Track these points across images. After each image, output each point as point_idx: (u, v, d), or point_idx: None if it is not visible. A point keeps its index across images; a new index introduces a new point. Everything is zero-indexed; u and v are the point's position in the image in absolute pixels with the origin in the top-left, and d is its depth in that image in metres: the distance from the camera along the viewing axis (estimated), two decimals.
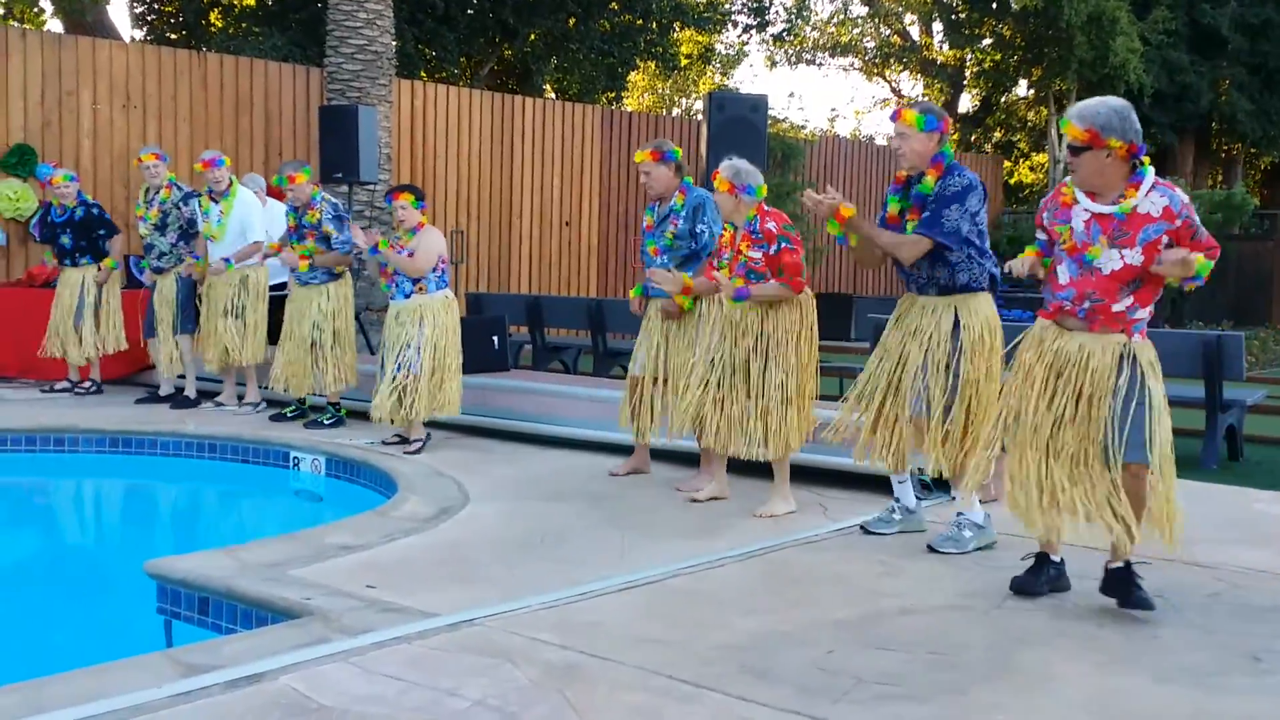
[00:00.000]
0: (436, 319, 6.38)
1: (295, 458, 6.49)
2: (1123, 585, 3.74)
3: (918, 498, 5.36)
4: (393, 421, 6.41)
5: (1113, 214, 3.68)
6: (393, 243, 6.45)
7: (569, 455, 6.42)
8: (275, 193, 8.05)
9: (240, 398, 7.88)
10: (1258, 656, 3.38)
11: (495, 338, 8.04)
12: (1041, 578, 3.96)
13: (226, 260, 7.64)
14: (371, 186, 10.84)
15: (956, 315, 4.48)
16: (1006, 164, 24.19)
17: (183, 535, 6.02)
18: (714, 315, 5.49)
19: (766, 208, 5.13)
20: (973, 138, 24.66)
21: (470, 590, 3.82)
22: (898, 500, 4.82)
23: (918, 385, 4.48)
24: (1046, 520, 3.78)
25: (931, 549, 4.49)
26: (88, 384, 8.47)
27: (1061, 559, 4.00)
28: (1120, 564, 3.75)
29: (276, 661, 3.09)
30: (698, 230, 5.58)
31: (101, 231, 8.35)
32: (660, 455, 6.09)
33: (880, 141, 26.41)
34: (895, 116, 4.59)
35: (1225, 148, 25.36)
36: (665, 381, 5.62)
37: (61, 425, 6.96)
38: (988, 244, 4.59)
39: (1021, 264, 3.87)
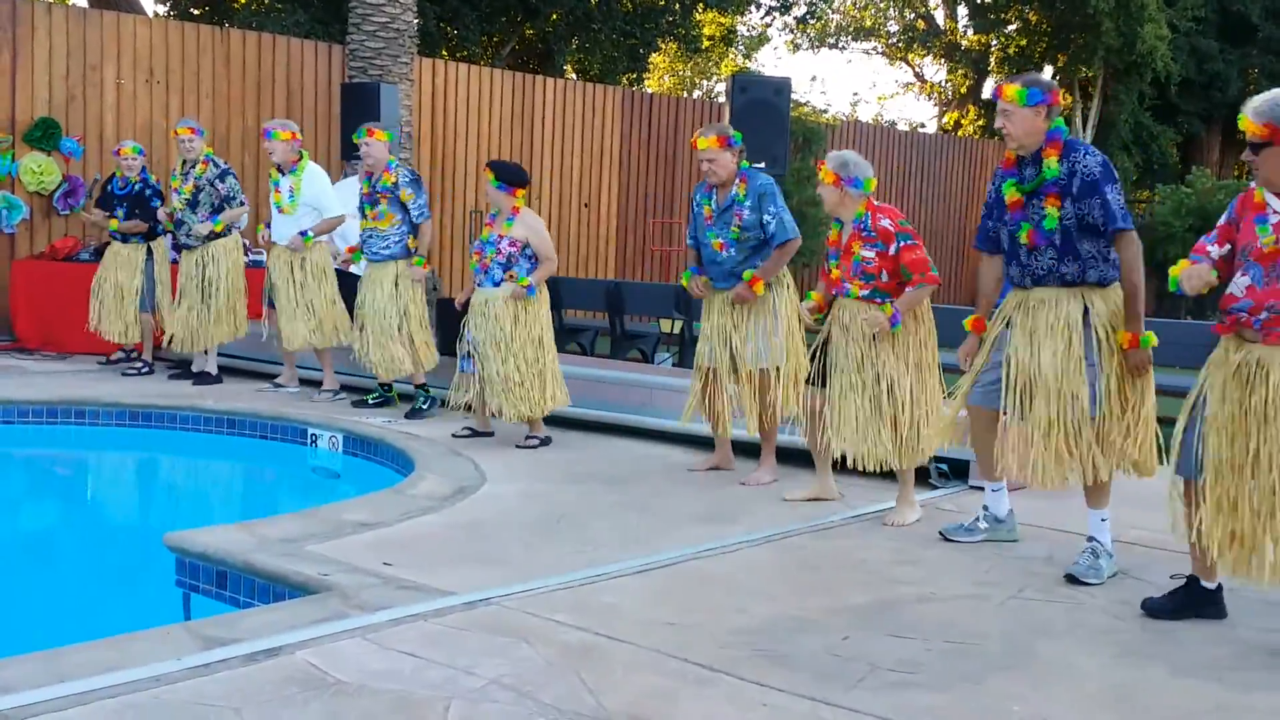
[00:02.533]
0: (532, 309, 5.98)
1: (313, 434, 6.51)
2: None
3: (932, 486, 5.35)
4: (469, 410, 6.13)
5: None
6: (489, 221, 6.15)
7: (586, 437, 6.42)
8: None
9: (318, 383, 7.54)
10: (1278, 652, 3.36)
11: None
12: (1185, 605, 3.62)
13: (304, 234, 7.36)
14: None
15: (1085, 305, 4.04)
16: None
17: (201, 509, 6.05)
18: (787, 304, 5.33)
19: (877, 203, 4.82)
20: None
21: (487, 570, 3.83)
22: (986, 508, 4.50)
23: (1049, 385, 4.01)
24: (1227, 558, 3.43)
25: (1070, 577, 3.98)
26: (141, 364, 8.26)
27: (1218, 585, 3.62)
28: None
29: (294, 636, 3.11)
30: (765, 220, 5.28)
31: (137, 211, 8.25)
32: (682, 440, 6.08)
33: (902, 127, 26.23)
34: (996, 94, 4.21)
35: None
36: (734, 371, 5.37)
37: (82, 398, 7.00)
38: None
39: (1193, 277, 3.44)
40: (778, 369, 5.33)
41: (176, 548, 3.96)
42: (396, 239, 6.79)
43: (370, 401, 7.09)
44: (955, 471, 5.36)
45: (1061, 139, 4.06)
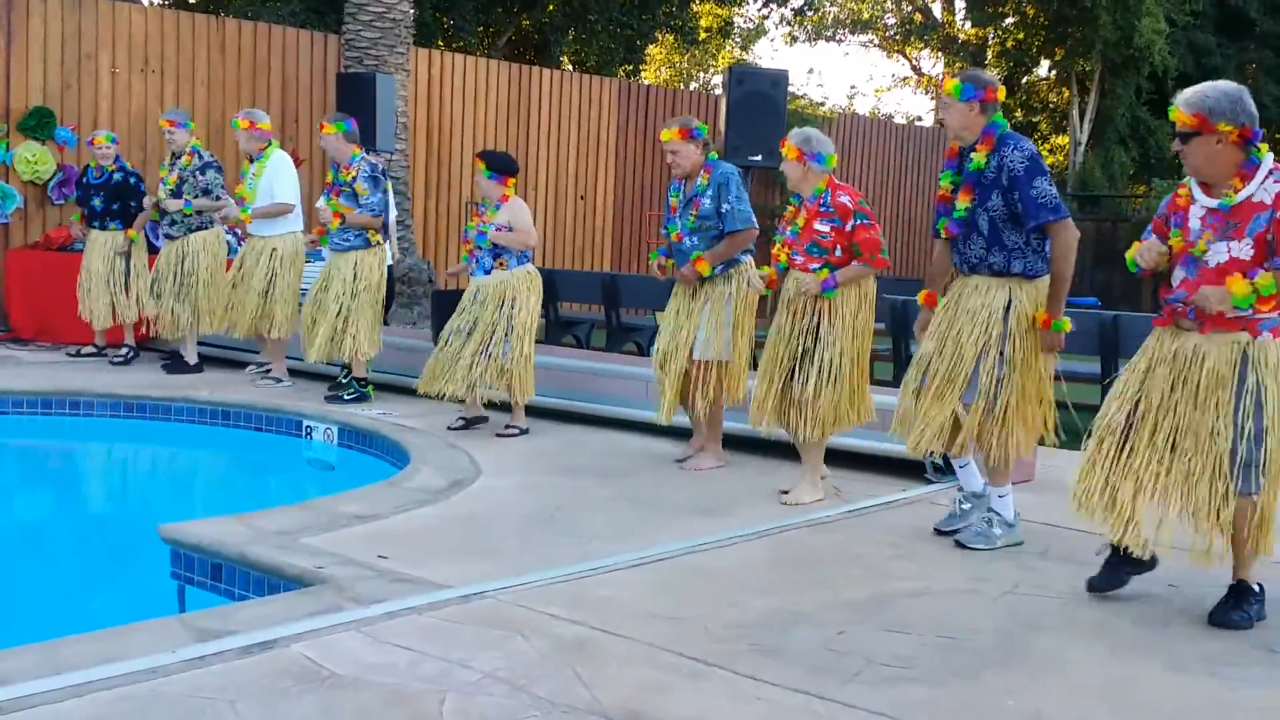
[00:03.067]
0: (520, 299, 6.05)
1: (308, 427, 6.50)
2: (1228, 603, 3.57)
3: (928, 480, 5.36)
4: (461, 402, 6.21)
5: (1219, 206, 3.48)
6: (479, 212, 6.21)
7: (581, 430, 6.42)
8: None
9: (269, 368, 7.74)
10: (1273, 648, 3.37)
11: None
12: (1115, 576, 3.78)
13: (246, 208, 7.59)
14: (388, 155, 10.81)
15: (1010, 296, 4.23)
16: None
17: (196, 501, 6.05)
18: (742, 301, 5.42)
19: (837, 181, 4.94)
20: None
21: (482, 563, 3.83)
22: (961, 488, 4.59)
23: (971, 369, 4.23)
24: (1119, 514, 3.58)
25: (960, 545, 4.33)
26: (125, 350, 8.33)
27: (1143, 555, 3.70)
28: (1233, 582, 3.59)
29: (289, 629, 3.11)
30: (723, 209, 5.40)
31: (132, 203, 8.30)
32: (678, 434, 6.08)
33: (899, 120, 26.22)
34: (941, 87, 4.50)
35: None
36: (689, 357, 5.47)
37: (76, 389, 6.99)
38: None
39: (1145, 252, 3.58)
40: (723, 363, 5.44)
41: (172, 540, 3.96)
42: (356, 231, 6.96)
43: (345, 397, 7.02)
44: (949, 466, 5.36)
45: (995, 134, 4.25)
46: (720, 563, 4.02)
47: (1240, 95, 3.50)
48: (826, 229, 4.84)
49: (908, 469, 5.45)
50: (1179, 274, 3.58)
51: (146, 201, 8.17)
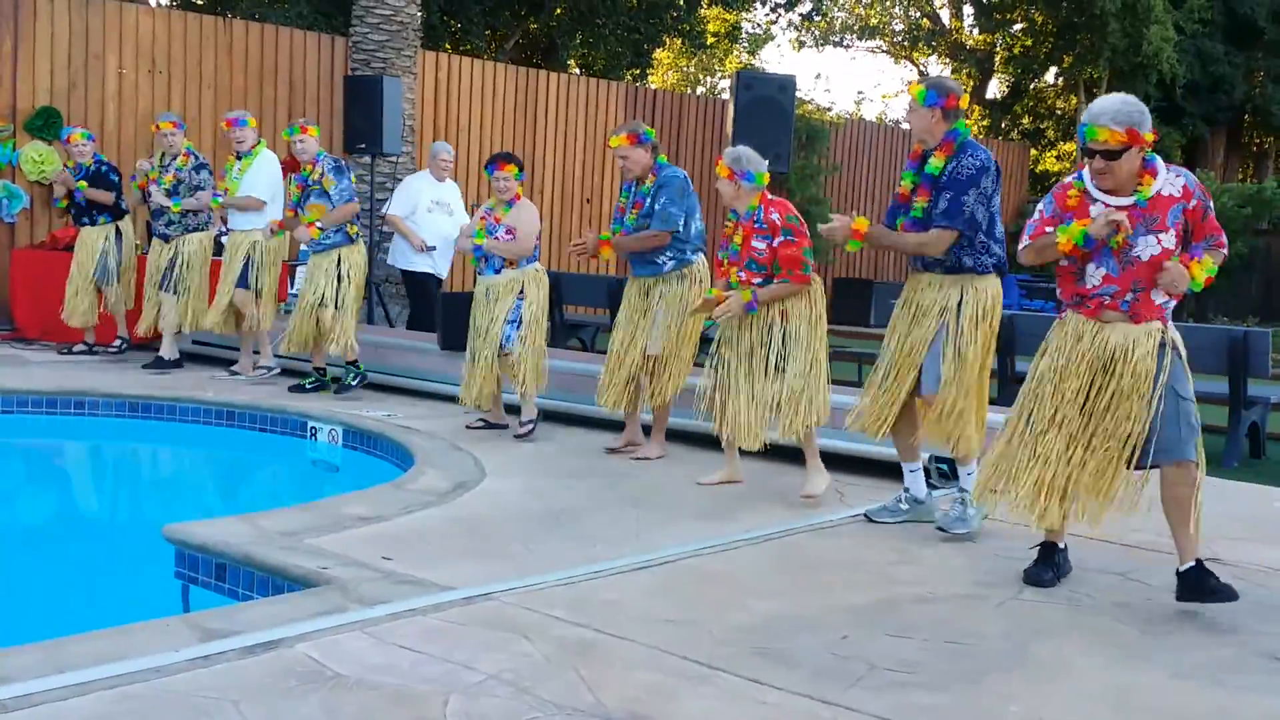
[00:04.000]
0: (530, 292, 6.16)
1: (313, 427, 6.51)
2: (1197, 586, 3.66)
3: (932, 486, 5.36)
4: (478, 406, 6.25)
5: (1136, 203, 3.69)
6: (484, 215, 6.26)
7: (585, 433, 6.42)
8: (291, 165, 8.12)
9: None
10: (1277, 656, 3.36)
11: None
12: (1049, 568, 3.95)
13: (216, 197, 7.83)
14: (394, 158, 10.82)
15: (962, 293, 4.44)
16: (1034, 151, 23.97)
17: (200, 501, 6.05)
18: (693, 294, 5.58)
19: (770, 197, 5.08)
20: (1001, 124, 24.44)
21: (486, 565, 3.83)
22: (907, 489, 4.76)
23: (924, 364, 4.47)
24: (1049, 510, 3.80)
25: (940, 529, 4.48)
26: (117, 343, 8.49)
27: (1064, 545, 4.00)
28: (1191, 565, 3.68)
29: (293, 629, 3.11)
30: (656, 208, 5.62)
31: (111, 192, 8.38)
32: (682, 437, 6.08)
33: (906, 126, 26.15)
34: (908, 90, 4.61)
35: (1257, 141, 25.06)
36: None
37: (81, 389, 7.00)
38: (999, 227, 4.50)
39: (1100, 220, 3.69)
40: (665, 360, 5.65)
41: (176, 539, 3.96)
42: (335, 228, 7.15)
43: (307, 386, 7.33)
44: (954, 472, 5.35)
45: (955, 140, 4.42)
46: (724, 566, 4.02)
47: (1138, 102, 3.69)
48: (762, 245, 4.99)
49: None
50: (1097, 269, 3.75)
51: (132, 195, 8.31)
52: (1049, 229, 3.83)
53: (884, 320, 6.90)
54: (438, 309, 7.83)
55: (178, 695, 2.69)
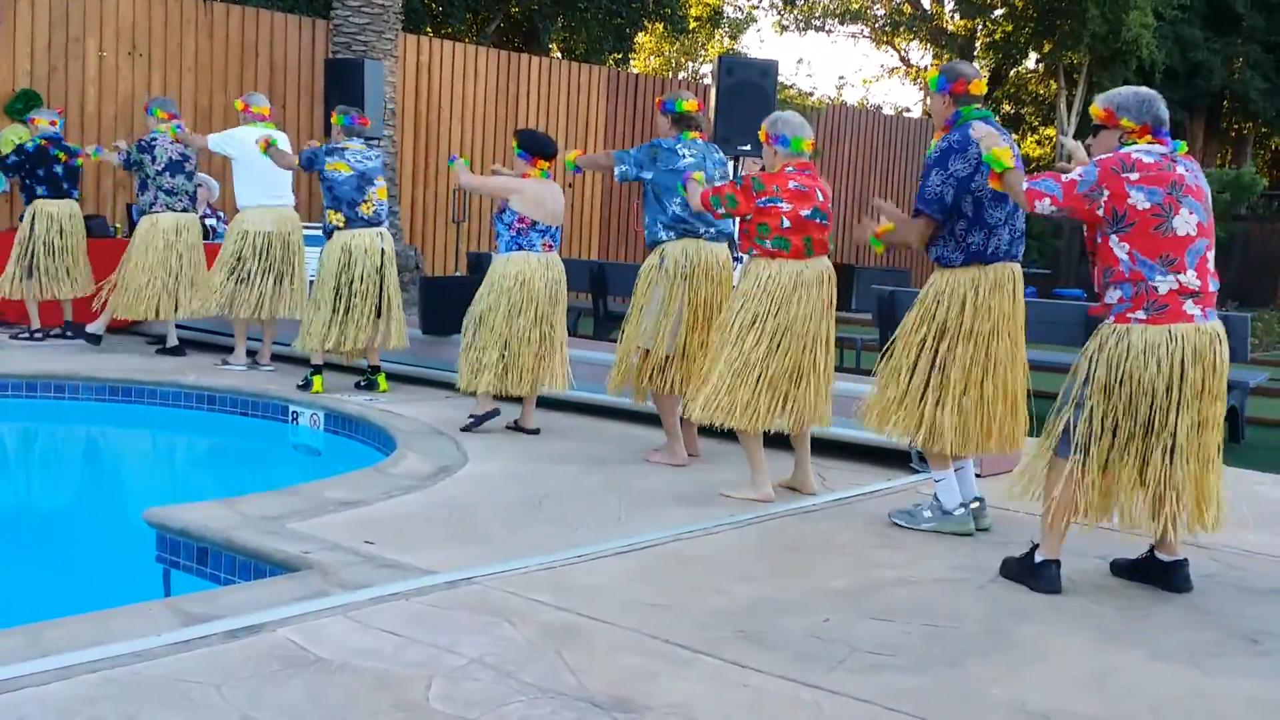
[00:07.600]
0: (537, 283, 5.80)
1: (294, 412, 6.48)
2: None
3: (914, 469, 5.38)
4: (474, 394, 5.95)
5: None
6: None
7: (567, 418, 6.42)
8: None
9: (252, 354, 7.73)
10: (1255, 638, 3.40)
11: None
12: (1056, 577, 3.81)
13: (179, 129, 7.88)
14: (376, 141, 10.74)
15: (930, 285, 4.38)
16: (1014, 137, 24.06)
17: (181, 485, 6.03)
18: (670, 289, 5.33)
19: (797, 168, 4.73)
20: None
21: (468, 549, 3.83)
22: (936, 497, 4.49)
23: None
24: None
25: (889, 515, 4.49)
26: (62, 327, 8.48)
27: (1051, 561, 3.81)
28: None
29: (275, 613, 3.11)
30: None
31: (55, 168, 8.28)
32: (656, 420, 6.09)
33: (888, 111, 26.21)
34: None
35: (1236, 126, 25.20)
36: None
37: (62, 372, 6.95)
38: (989, 212, 4.22)
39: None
40: (646, 350, 5.39)
41: (157, 524, 3.94)
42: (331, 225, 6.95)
43: (362, 384, 6.98)
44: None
45: (953, 124, 4.33)
46: (706, 550, 4.03)
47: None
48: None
49: (893, 459, 5.47)
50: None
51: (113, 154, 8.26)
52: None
53: (866, 305, 6.88)
54: (419, 293, 7.76)
55: (160, 679, 2.69)
